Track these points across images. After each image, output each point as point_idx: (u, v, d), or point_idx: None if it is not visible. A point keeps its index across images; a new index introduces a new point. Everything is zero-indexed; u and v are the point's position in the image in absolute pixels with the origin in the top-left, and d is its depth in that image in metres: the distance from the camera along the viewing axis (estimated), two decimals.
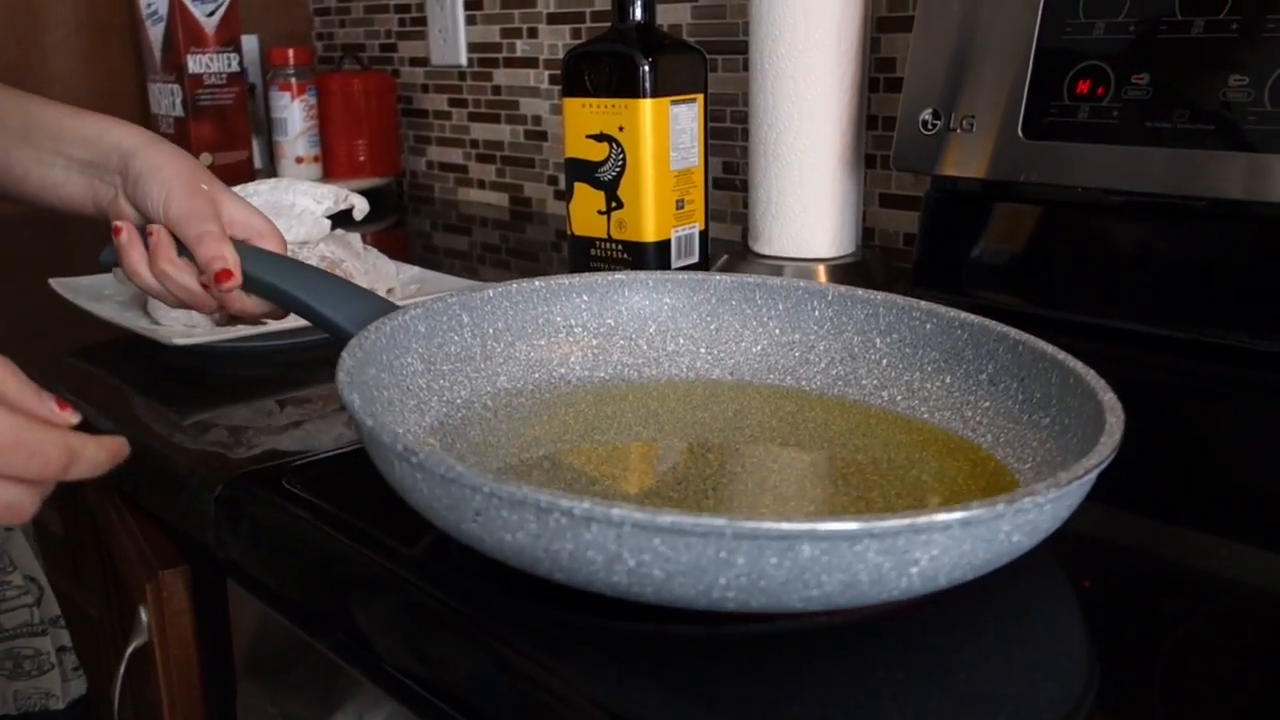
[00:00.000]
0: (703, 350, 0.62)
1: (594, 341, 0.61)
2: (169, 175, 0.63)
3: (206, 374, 0.75)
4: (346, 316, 0.57)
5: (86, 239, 0.95)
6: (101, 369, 0.77)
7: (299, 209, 0.84)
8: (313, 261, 0.81)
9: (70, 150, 0.65)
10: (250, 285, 0.62)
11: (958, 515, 0.37)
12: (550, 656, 0.40)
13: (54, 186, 0.66)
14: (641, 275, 0.62)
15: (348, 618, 0.49)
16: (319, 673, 0.53)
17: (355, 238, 0.88)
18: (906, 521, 0.36)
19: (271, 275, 0.62)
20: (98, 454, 0.50)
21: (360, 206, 0.89)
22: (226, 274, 0.60)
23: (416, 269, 0.93)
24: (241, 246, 0.63)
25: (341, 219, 0.89)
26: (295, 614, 0.54)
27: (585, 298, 0.61)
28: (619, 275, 0.62)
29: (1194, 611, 0.43)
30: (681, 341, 0.62)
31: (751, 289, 0.62)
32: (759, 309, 0.61)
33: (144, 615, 0.63)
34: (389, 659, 0.47)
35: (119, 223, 0.64)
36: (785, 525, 0.35)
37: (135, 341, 0.78)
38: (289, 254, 0.78)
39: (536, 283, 0.61)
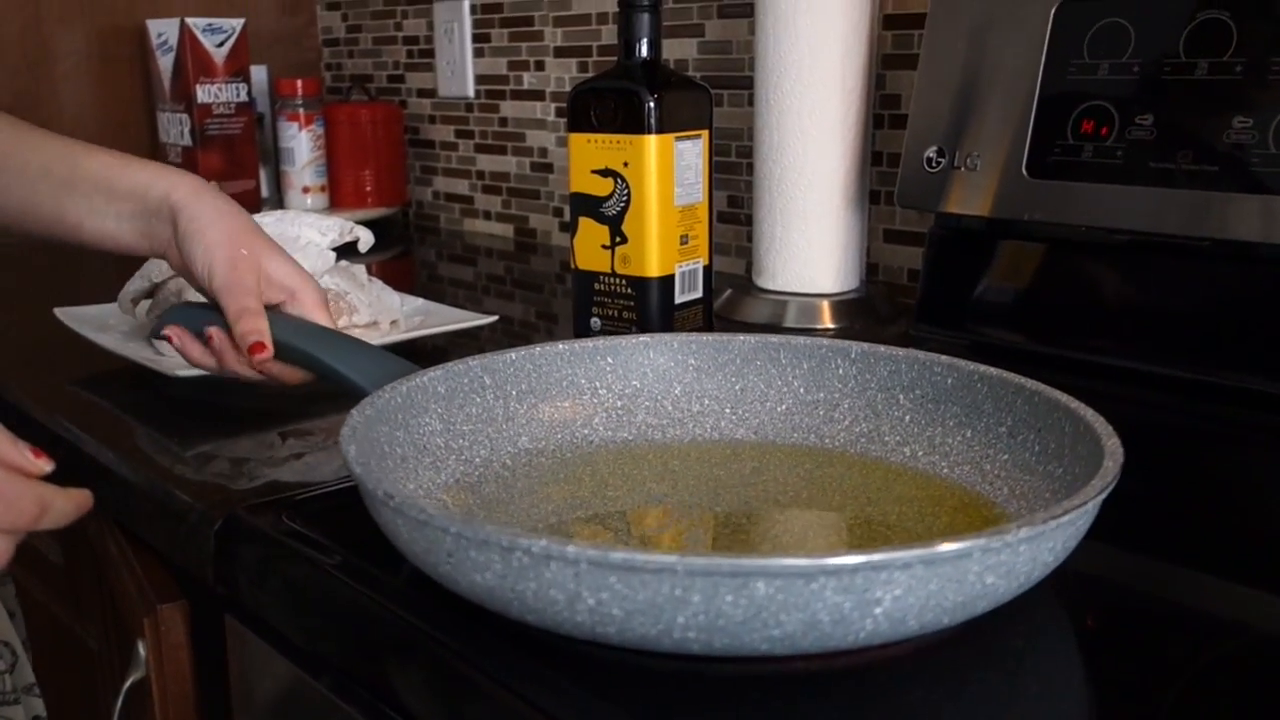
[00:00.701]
0: (727, 410, 0.62)
1: (618, 403, 0.62)
2: (211, 241, 0.64)
3: (209, 405, 0.75)
4: (366, 377, 0.58)
5: (93, 268, 0.95)
6: (105, 399, 0.77)
7: (304, 241, 0.84)
8: None
9: (121, 204, 0.67)
10: (275, 349, 0.65)
11: (917, 552, 0.36)
12: (544, 695, 0.39)
13: (110, 236, 0.68)
14: (666, 337, 0.63)
15: (345, 656, 0.49)
16: (316, 711, 0.52)
17: (360, 269, 0.88)
18: (863, 558, 0.36)
19: (293, 338, 0.64)
20: (65, 506, 0.51)
21: (365, 239, 0.89)
22: (259, 346, 0.63)
23: (421, 300, 0.93)
24: (269, 314, 0.65)
25: (346, 250, 0.89)
26: (293, 651, 0.53)
27: (610, 360, 0.62)
28: (643, 338, 0.63)
29: (1196, 661, 0.43)
30: (706, 402, 0.62)
31: (775, 349, 0.62)
32: (783, 368, 0.62)
33: (142, 649, 0.63)
34: (386, 699, 0.47)
35: (168, 331, 0.67)
36: (736, 561, 0.36)
37: (139, 372, 0.78)
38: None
39: (560, 346, 0.61)
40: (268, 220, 0.85)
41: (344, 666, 0.49)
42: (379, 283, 0.89)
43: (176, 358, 0.78)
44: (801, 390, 0.61)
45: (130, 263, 0.82)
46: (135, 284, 0.81)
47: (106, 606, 0.74)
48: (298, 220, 0.85)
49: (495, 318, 0.90)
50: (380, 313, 0.85)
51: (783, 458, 0.59)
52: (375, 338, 0.81)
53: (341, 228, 0.87)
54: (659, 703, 0.39)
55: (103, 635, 0.77)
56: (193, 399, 0.75)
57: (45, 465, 0.51)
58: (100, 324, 0.86)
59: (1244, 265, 0.70)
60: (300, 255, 0.82)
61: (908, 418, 0.58)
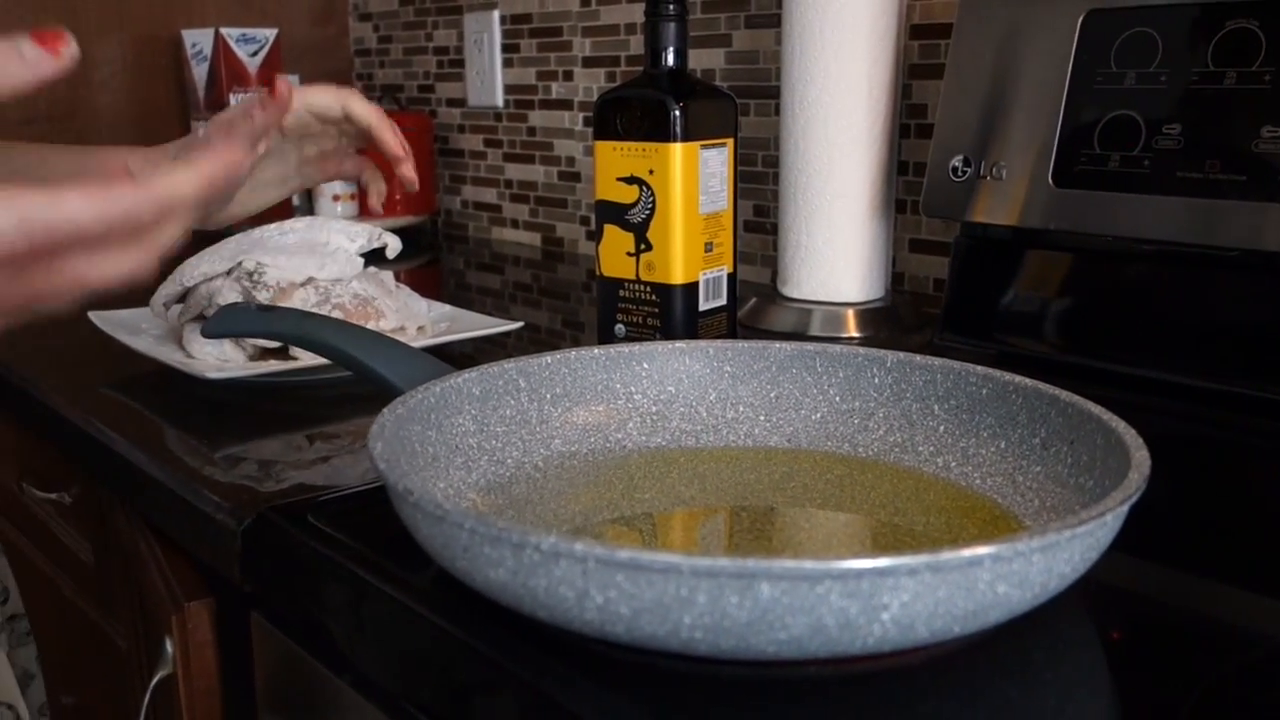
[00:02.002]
0: (762, 417, 0.62)
1: (653, 408, 0.62)
2: None
3: (239, 407, 0.76)
4: (402, 376, 0.59)
5: None
6: (136, 401, 0.78)
7: (333, 247, 0.85)
8: (345, 299, 0.82)
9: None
10: (309, 346, 0.66)
11: (924, 559, 0.36)
12: (563, 692, 0.40)
13: None
14: (702, 343, 0.63)
15: (368, 653, 0.50)
16: (340, 708, 0.53)
17: (388, 275, 0.89)
18: (869, 563, 0.36)
19: (331, 337, 0.65)
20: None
21: (393, 245, 0.90)
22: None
23: (448, 307, 0.94)
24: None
25: (373, 256, 0.90)
26: (317, 648, 0.54)
27: (645, 365, 0.62)
28: (679, 344, 0.63)
29: (1222, 676, 0.42)
30: (741, 409, 0.62)
31: (811, 357, 0.62)
32: (819, 377, 0.62)
33: (169, 646, 0.64)
34: (410, 696, 0.47)
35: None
36: (741, 563, 0.36)
37: (170, 374, 0.79)
38: (321, 288, 0.78)
39: (596, 350, 0.61)
40: (298, 226, 0.86)
41: (366, 664, 0.50)
42: (406, 289, 0.90)
43: (207, 359, 0.79)
44: (837, 398, 0.61)
45: (163, 267, 0.83)
46: (167, 288, 0.83)
47: (135, 604, 0.75)
48: (326, 226, 0.86)
49: (520, 324, 0.91)
50: (407, 318, 0.86)
51: (813, 465, 0.59)
52: None
53: (370, 233, 0.88)
54: (672, 703, 0.39)
55: (131, 633, 0.78)
56: (223, 401, 0.76)
57: (61, 58, 0.41)
58: (133, 327, 0.87)
59: (1273, 276, 0.69)
60: (329, 261, 0.83)
61: (942, 428, 0.58)
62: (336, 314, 0.80)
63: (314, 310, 0.78)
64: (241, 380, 0.77)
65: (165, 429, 0.73)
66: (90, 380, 0.84)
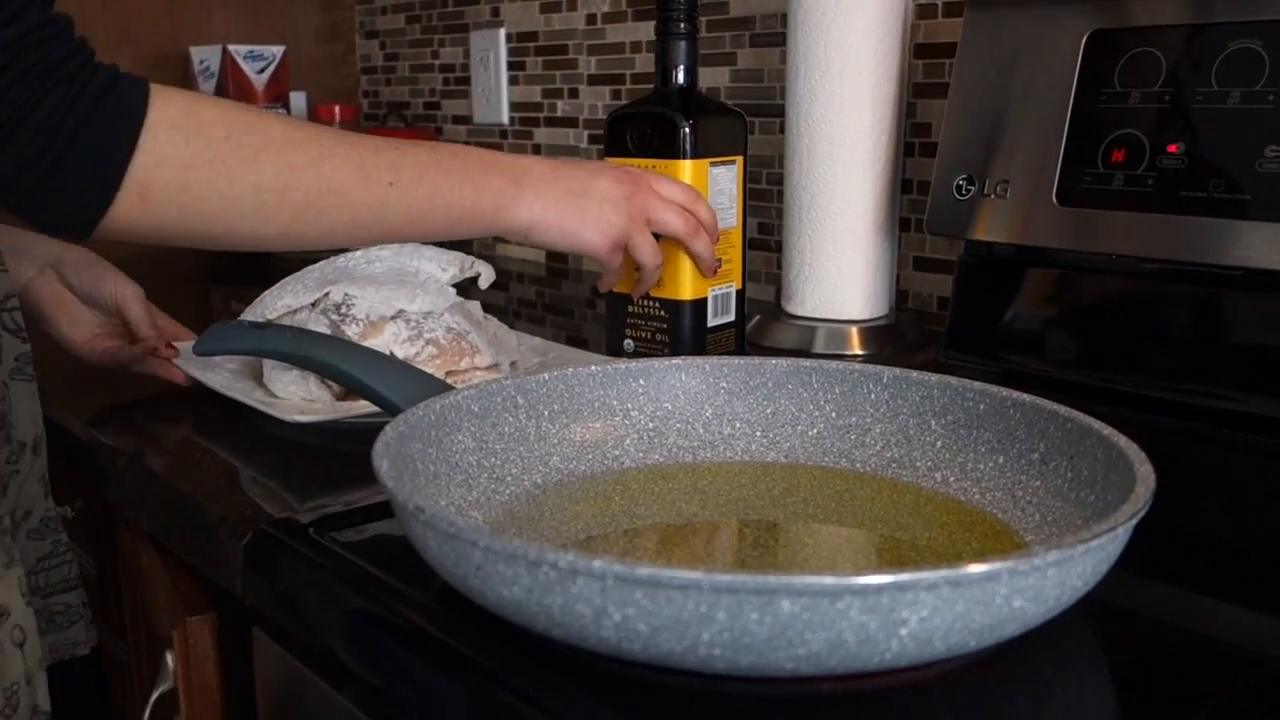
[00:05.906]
0: (758, 434, 0.62)
1: (650, 425, 0.62)
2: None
3: (238, 421, 0.75)
4: (400, 394, 0.59)
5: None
6: (138, 413, 0.78)
7: (423, 276, 0.79)
8: (438, 333, 0.76)
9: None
10: (306, 364, 0.67)
11: (943, 573, 0.36)
12: (570, 712, 0.40)
13: None
14: (698, 360, 0.63)
15: (371, 669, 0.49)
16: None
17: (475, 305, 0.83)
18: (890, 578, 0.36)
19: (330, 357, 0.66)
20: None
21: (486, 274, 0.83)
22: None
23: (539, 339, 0.88)
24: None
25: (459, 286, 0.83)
26: (318, 664, 0.54)
27: (642, 382, 0.62)
28: (675, 360, 0.63)
29: (1226, 692, 0.42)
30: (738, 425, 0.62)
31: (808, 373, 0.62)
32: (815, 393, 0.62)
33: (170, 661, 0.63)
34: (411, 713, 0.47)
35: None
36: (762, 579, 0.36)
37: (166, 386, 0.79)
38: (412, 322, 0.75)
39: (593, 368, 0.62)
40: (385, 254, 0.80)
41: (369, 680, 0.50)
42: (494, 320, 0.84)
43: (293, 399, 0.74)
44: (833, 414, 0.61)
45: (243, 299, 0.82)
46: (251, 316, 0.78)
47: (137, 618, 0.75)
48: (417, 254, 0.81)
49: (623, 358, 0.83)
50: (500, 352, 0.80)
51: (812, 480, 0.59)
52: None
53: (462, 262, 0.81)
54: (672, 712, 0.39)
55: (133, 648, 0.78)
56: (221, 416, 0.76)
57: None
58: (205, 361, 0.80)
59: (1276, 295, 0.69)
60: (420, 292, 0.77)
61: (939, 443, 0.58)
62: (430, 350, 0.75)
63: (405, 346, 0.73)
64: (327, 424, 0.71)
65: (167, 443, 0.73)
66: (94, 395, 0.84)
